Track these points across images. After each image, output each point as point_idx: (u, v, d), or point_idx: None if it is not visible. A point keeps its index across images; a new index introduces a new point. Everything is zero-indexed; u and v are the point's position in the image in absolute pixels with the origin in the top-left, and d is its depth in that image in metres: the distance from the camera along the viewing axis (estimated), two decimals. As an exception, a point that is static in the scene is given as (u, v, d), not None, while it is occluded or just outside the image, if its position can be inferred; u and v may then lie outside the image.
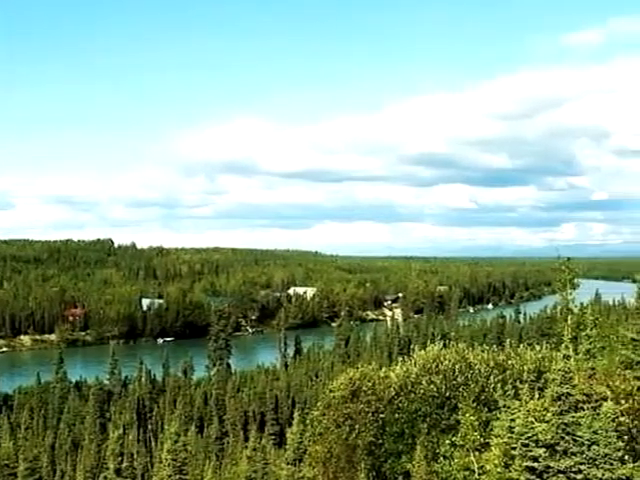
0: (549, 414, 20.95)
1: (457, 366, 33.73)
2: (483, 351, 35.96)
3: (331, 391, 35.24)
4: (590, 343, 31.89)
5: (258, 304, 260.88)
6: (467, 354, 35.07)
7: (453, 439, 28.91)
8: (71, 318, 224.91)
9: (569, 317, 33.62)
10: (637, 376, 27.25)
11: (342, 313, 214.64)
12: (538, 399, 23.16)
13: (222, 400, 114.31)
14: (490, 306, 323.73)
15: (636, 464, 20.43)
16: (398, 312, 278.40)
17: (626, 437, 21.49)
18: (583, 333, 32.44)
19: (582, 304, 37.65)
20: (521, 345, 38.11)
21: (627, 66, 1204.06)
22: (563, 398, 20.61)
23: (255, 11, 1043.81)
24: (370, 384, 34.11)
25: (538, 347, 36.43)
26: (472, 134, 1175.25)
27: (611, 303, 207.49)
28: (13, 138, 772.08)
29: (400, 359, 38.24)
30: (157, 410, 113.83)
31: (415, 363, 35.41)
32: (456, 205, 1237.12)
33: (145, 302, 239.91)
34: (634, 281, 32.68)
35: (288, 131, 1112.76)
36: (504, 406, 25.81)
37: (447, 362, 34.06)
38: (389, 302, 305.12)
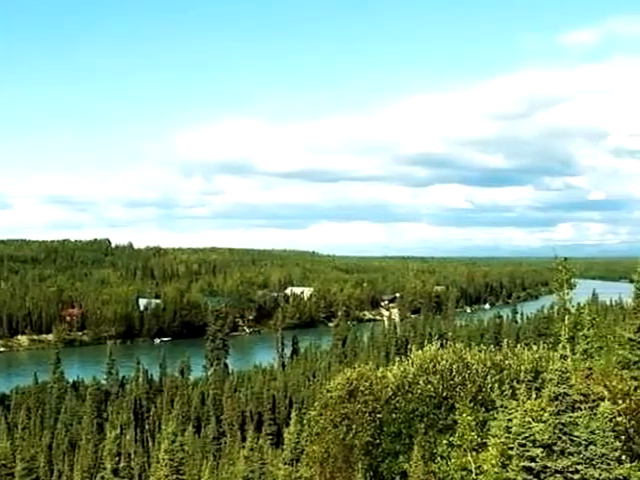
0: (546, 414, 20.95)
1: (454, 366, 33.72)
2: (480, 351, 35.93)
3: (328, 391, 35.22)
4: (587, 343, 31.98)
5: (255, 304, 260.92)
6: (464, 354, 35.05)
7: (450, 439, 28.90)
8: (68, 318, 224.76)
9: (566, 317, 33.70)
10: (634, 376, 27.30)
11: (339, 313, 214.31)
12: (535, 399, 23.18)
13: (219, 400, 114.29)
14: (487, 306, 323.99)
15: (633, 464, 20.45)
16: (395, 312, 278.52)
17: (623, 437, 21.48)
18: (580, 333, 32.53)
19: (579, 304, 37.75)
20: (518, 345, 38.05)
21: (624, 66, 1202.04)
22: (560, 398, 20.61)
23: (255, 11, 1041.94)
24: (367, 384, 34.10)
25: (535, 347, 36.41)
26: (468, 134, 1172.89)
27: (608, 303, 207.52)
28: (10, 137, 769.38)
29: (397, 359, 38.24)
30: (154, 410, 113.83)
31: (412, 363, 35.39)
32: (453, 205, 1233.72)
33: (142, 302, 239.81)
34: (631, 281, 32.65)
35: (284, 131, 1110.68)
36: (501, 406, 25.83)
37: (444, 362, 34.04)
38: (386, 302, 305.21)
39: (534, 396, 23.73)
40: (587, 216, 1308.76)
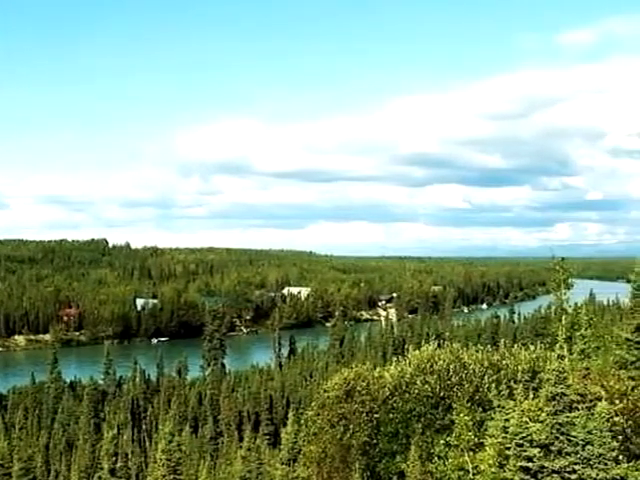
0: (543, 414, 20.94)
1: (451, 366, 33.69)
2: (477, 351, 35.89)
3: (325, 391, 35.18)
4: (584, 343, 31.96)
5: (252, 304, 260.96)
6: (461, 354, 35.01)
7: (447, 439, 28.89)
8: (65, 318, 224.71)
9: (563, 317, 33.74)
10: (631, 376, 27.28)
11: (336, 313, 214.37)
12: (532, 399, 23.14)
13: (216, 400, 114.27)
14: (484, 306, 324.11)
15: (630, 464, 20.45)
16: (392, 312, 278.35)
17: (620, 437, 21.48)
18: (577, 333, 32.52)
19: (576, 304, 37.80)
20: (515, 345, 38.03)
21: (621, 66, 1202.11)
22: (557, 398, 20.60)
23: (254, 11, 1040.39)
24: (364, 384, 34.06)
25: (532, 347, 36.37)
26: (466, 134, 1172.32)
27: (605, 303, 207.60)
28: (7, 137, 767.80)
29: (394, 359, 38.16)
30: (151, 410, 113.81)
31: (409, 363, 35.35)
32: (450, 205, 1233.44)
33: (139, 302, 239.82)
34: (628, 281, 32.65)
35: (281, 131, 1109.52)
36: (498, 406, 25.82)
37: (441, 362, 34.01)
38: (383, 302, 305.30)
39: (531, 396, 23.69)
40: (585, 216, 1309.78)
